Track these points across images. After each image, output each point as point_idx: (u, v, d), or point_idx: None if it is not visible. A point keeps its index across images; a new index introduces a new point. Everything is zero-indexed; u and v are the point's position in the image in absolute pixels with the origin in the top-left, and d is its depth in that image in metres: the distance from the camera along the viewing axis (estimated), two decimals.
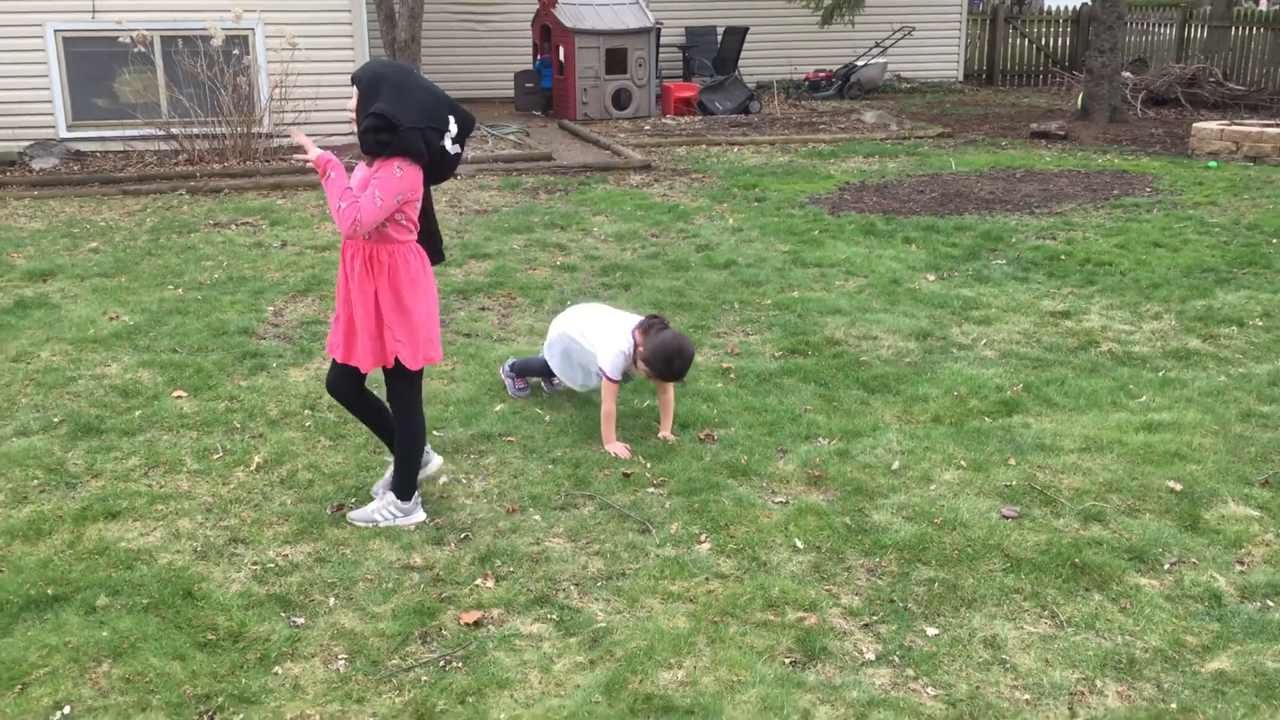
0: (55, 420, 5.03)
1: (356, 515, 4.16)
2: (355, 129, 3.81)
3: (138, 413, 5.12)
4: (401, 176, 3.77)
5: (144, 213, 9.44)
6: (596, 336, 4.93)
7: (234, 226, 8.85)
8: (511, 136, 13.63)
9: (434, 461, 4.38)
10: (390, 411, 4.17)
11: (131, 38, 11.92)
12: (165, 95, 12.53)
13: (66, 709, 3.07)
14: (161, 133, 12.04)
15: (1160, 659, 3.41)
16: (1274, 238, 8.39)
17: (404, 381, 4.06)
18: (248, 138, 11.86)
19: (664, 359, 4.71)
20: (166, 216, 9.25)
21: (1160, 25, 20.85)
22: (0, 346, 5.98)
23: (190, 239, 8.40)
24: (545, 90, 16.91)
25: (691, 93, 16.78)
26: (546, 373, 5.29)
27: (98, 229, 8.77)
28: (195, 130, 11.85)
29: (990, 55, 21.96)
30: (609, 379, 4.80)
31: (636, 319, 4.89)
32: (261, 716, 3.08)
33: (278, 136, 12.23)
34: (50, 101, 12.61)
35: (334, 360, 4.09)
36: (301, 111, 12.13)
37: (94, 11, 12.46)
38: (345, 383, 4.13)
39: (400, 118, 3.73)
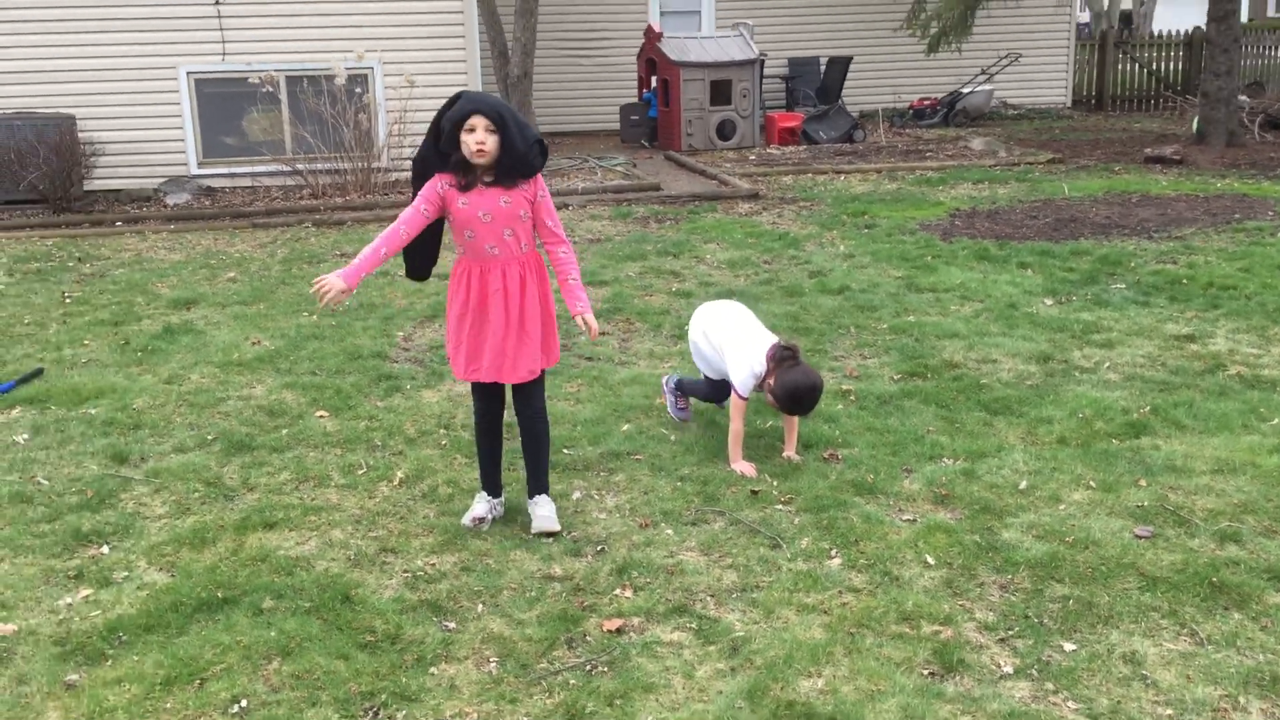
0: (209, 438, 5.32)
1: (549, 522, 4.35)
2: (488, 160, 3.94)
3: (284, 431, 5.38)
4: (546, 189, 4.20)
5: (274, 244, 9.85)
6: (730, 350, 5.02)
7: None
8: (619, 168, 13.88)
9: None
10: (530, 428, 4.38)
11: (260, 78, 12.46)
12: (290, 132, 13.06)
13: (243, 703, 3.27)
14: (287, 168, 12.53)
15: None
16: None
17: (543, 383, 4.36)
18: (368, 172, 12.28)
19: (792, 398, 4.79)
20: (295, 248, 9.64)
21: (1277, 47, 20.38)
22: (153, 370, 6.32)
23: (320, 269, 8.75)
24: (650, 121, 17.16)
25: (795, 122, 16.89)
26: (702, 394, 5.38)
27: (233, 260, 9.18)
28: (318, 166, 12.32)
29: (1099, 80, 21.67)
30: (739, 396, 4.90)
31: (771, 339, 4.98)
32: (423, 713, 3.24)
33: (395, 171, 12.66)
34: (183, 140, 13.22)
35: (484, 389, 4.31)
36: (414, 147, 12.54)
37: (224, 55, 13.06)
38: (499, 409, 4.41)
39: (543, 142, 4.09)
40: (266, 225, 10.83)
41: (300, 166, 12.36)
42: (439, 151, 4.03)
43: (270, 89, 12.72)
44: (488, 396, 4.37)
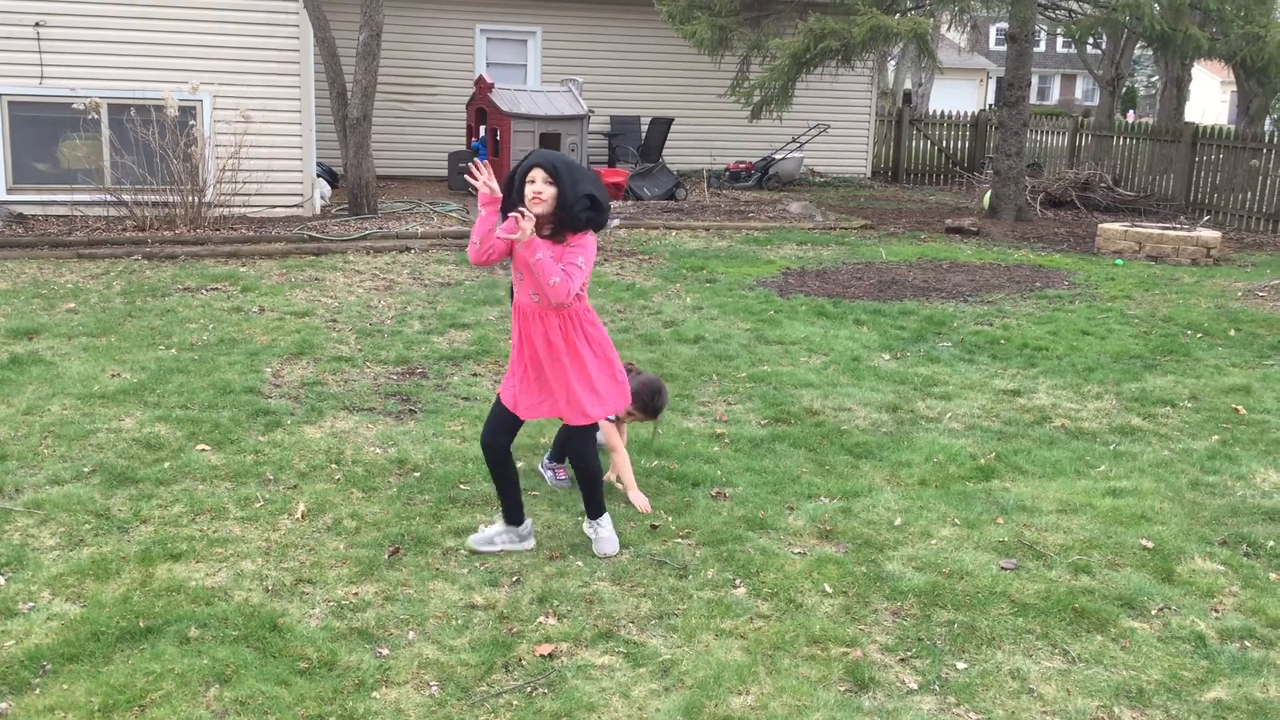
0: (85, 470, 5.15)
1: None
2: (544, 209, 4.18)
3: (166, 464, 5.27)
4: (594, 245, 4.34)
5: (107, 276, 9.50)
6: None
7: (205, 292, 8.99)
8: (454, 214, 13.96)
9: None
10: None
11: (84, 104, 12.00)
12: (110, 161, 12.58)
13: None
14: (110, 198, 12.07)
15: (1164, 690, 3.83)
16: (1188, 329, 9.15)
17: (589, 432, 4.62)
18: (198, 207, 11.96)
19: (651, 392, 5.25)
20: (133, 280, 9.33)
21: (1053, 133, 22.23)
22: (6, 400, 6.05)
23: (166, 302, 8.51)
24: None
25: (620, 178, 17.35)
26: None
27: (67, 291, 8.81)
28: (145, 198, 11.91)
29: (896, 154, 23.11)
30: (608, 420, 5.17)
31: None
32: None
33: (223, 207, 12.36)
34: None
35: (501, 418, 4.50)
36: (250, 183, 12.32)
37: (42, 78, 12.52)
38: (507, 438, 4.56)
39: (602, 199, 4.31)
40: (92, 256, 10.42)
41: (126, 197, 11.92)
42: (510, 202, 4.23)
43: (94, 116, 12.26)
44: (503, 426, 4.53)
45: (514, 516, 4.62)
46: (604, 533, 4.68)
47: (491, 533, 4.63)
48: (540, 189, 4.17)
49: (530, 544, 4.65)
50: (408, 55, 18.92)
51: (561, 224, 4.24)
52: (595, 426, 4.63)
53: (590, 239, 4.31)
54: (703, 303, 9.47)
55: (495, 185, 4.30)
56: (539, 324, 4.35)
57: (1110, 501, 5.41)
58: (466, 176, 4.50)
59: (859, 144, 22.24)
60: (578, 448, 4.68)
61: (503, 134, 16.48)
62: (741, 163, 20.05)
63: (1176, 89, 24.75)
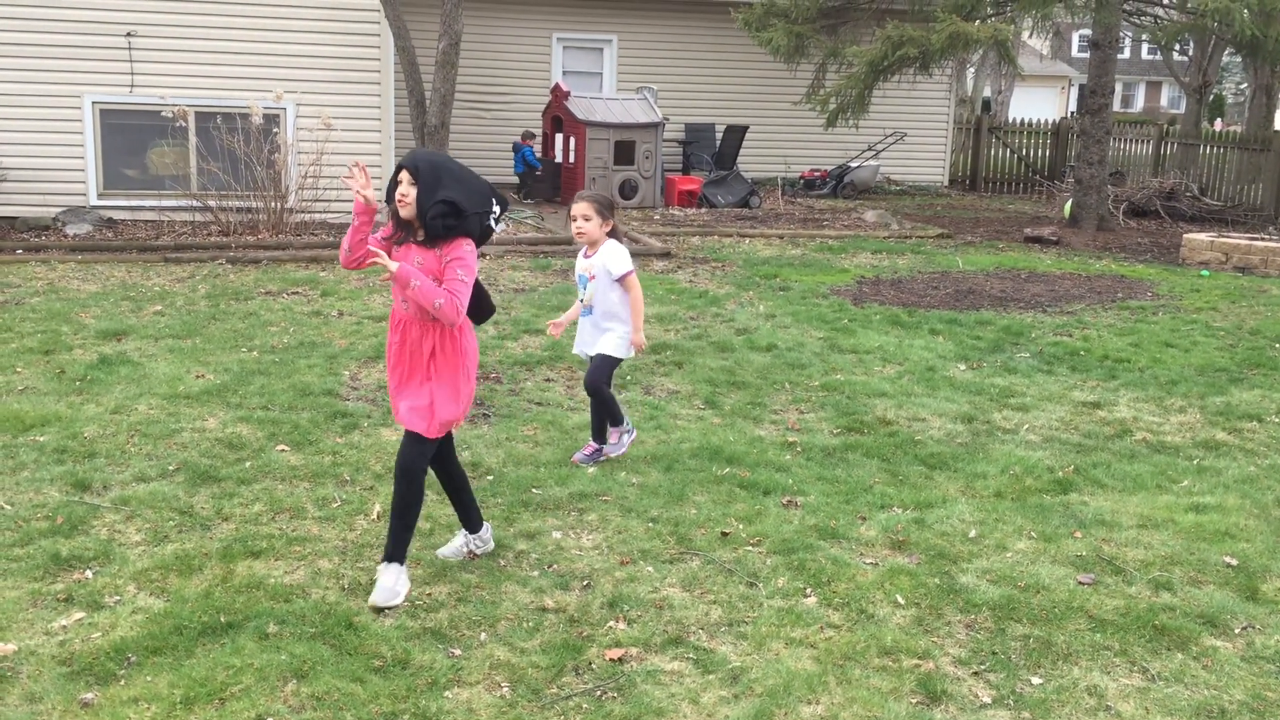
0: (170, 468, 5.29)
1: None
2: (409, 213, 3.98)
3: (248, 463, 5.39)
4: (472, 253, 4.09)
5: (193, 279, 9.73)
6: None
7: (286, 295, 9.17)
8: (529, 220, 14.08)
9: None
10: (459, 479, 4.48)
11: (173, 112, 12.32)
12: (196, 168, 12.89)
13: None
14: (196, 204, 12.37)
15: (1247, 710, 3.74)
16: (1277, 342, 8.91)
17: (421, 443, 4.17)
18: (281, 212, 12.21)
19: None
20: (217, 284, 9.55)
21: (1137, 141, 21.81)
22: (95, 399, 6.23)
23: (249, 305, 8.70)
24: (552, 177, 17.42)
25: (694, 186, 17.37)
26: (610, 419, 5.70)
27: (154, 293, 9.05)
28: (230, 203, 12.19)
29: (974, 162, 22.84)
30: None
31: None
32: None
33: (304, 213, 12.61)
34: (83, 170, 12.94)
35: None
36: (330, 189, 12.54)
37: (132, 86, 12.87)
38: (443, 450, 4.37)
39: (466, 204, 4.01)
40: (178, 260, 10.68)
41: (211, 203, 12.22)
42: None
43: (181, 123, 12.58)
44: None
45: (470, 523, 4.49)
46: (385, 580, 4.12)
47: (459, 543, 4.55)
48: (405, 191, 3.94)
49: (490, 546, 4.54)
50: (485, 64, 19.14)
51: (423, 228, 4.00)
52: (429, 441, 4.16)
53: (465, 247, 4.02)
54: (776, 310, 9.44)
55: (370, 194, 3.99)
56: (413, 329, 4.11)
57: (1193, 517, 5.29)
58: (344, 179, 4.13)
59: (936, 152, 22.01)
60: (413, 461, 4.16)
61: (578, 142, 16.59)
62: (816, 170, 19.95)
63: (1266, 96, 24.11)
